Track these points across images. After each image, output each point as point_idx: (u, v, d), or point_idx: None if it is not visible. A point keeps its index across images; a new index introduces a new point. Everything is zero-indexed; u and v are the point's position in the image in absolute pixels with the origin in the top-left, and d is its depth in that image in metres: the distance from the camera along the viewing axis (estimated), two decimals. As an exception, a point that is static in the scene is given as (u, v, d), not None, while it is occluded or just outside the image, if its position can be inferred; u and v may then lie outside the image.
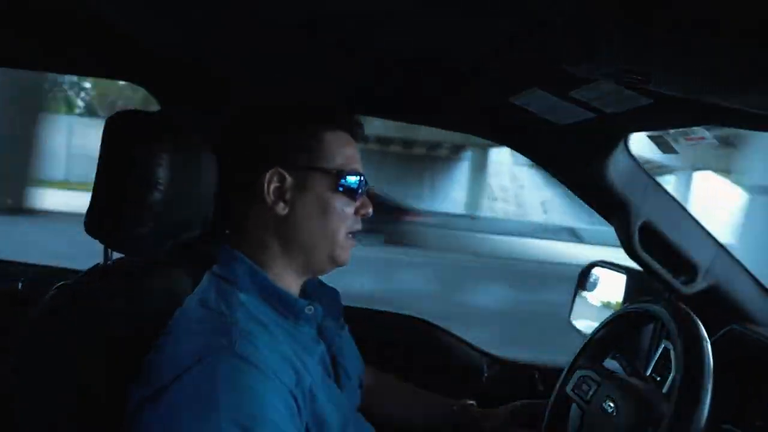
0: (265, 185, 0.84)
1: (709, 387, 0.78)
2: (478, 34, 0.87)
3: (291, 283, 0.88)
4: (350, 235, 0.90)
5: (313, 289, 0.98)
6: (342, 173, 0.86)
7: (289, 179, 0.84)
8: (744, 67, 0.56)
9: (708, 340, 0.83)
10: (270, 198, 0.84)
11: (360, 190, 0.89)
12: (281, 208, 0.84)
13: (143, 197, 0.80)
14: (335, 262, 0.89)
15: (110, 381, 0.76)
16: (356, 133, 0.92)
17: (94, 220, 0.83)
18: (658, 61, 0.56)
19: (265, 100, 0.90)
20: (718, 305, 1.19)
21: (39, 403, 0.73)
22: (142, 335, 0.84)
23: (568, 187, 1.28)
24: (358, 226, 0.91)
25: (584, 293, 1.48)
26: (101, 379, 0.75)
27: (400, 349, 1.46)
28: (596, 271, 1.48)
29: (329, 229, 0.87)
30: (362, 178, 0.89)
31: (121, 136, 0.83)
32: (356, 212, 0.90)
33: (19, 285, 1.48)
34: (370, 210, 0.91)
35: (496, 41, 0.87)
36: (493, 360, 1.52)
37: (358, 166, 0.90)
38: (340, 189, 0.86)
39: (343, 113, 0.90)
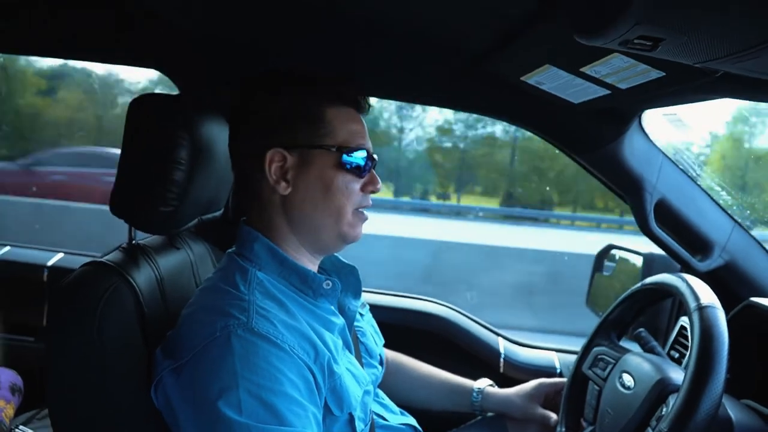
0: (266, 165, 0.83)
1: (725, 355, 0.78)
2: (491, 15, 0.88)
3: (306, 261, 0.89)
4: (359, 212, 0.88)
5: (332, 266, 0.99)
6: (345, 149, 0.85)
7: (290, 158, 0.84)
8: (757, 28, 0.56)
9: (722, 308, 0.83)
10: (272, 178, 0.83)
11: (366, 167, 0.87)
12: (283, 188, 0.84)
13: (167, 177, 0.82)
14: (345, 240, 0.88)
15: (135, 352, 0.78)
16: (362, 107, 0.90)
17: (120, 201, 0.85)
18: (669, 23, 0.56)
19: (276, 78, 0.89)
20: (735, 281, 1.19)
21: (66, 373, 0.75)
22: (166, 310, 0.87)
23: (584, 168, 1.28)
24: (368, 202, 0.89)
25: (601, 276, 1.48)
26: (127, 350, 0.77)
27: (420, 331, 1.49)
28: (612, 254, 1.48)
29: (334, 207, 0.85)
30: (368, 154, 0.87)
31: (144, 118, 0.85)
32: (363, 188, 0.88)
33: (45, 274, 1.53)
34: (379, 186, 0.89)
35: (507, 19, 0.88)
36: (512, 343, 1.53)
37: (364, 142, 0.88)
38: (344, 166, 0.85)
39: (347, 87, 0.88)
